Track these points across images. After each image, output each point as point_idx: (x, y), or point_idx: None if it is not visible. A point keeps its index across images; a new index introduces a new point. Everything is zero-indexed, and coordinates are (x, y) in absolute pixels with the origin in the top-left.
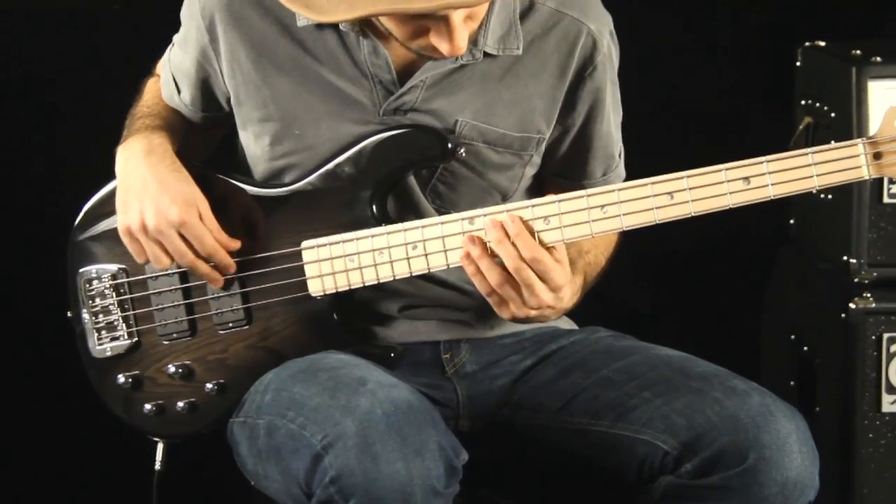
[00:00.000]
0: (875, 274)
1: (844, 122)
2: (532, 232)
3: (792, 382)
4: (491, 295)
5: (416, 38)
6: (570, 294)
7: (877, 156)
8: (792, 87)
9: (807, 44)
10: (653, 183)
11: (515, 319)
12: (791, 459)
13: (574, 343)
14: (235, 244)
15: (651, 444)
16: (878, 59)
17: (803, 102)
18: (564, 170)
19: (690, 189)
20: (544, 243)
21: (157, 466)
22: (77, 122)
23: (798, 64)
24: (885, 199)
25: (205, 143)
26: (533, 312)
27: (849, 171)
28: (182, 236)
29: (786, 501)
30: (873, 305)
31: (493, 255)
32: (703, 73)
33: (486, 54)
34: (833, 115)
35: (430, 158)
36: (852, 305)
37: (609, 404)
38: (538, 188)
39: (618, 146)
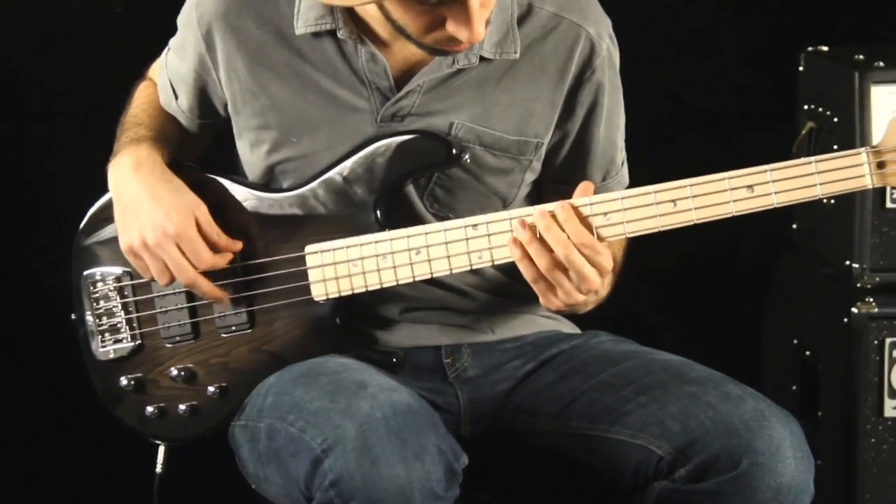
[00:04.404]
0: (877, 279)
1: (847, 127)
2: (581, 218)
3: (794, 387)
4: (538, 281)
5: (431, 30)
6: (609, 280)
7: (880, 165)
8: (794, 92)
9: (809, 48)
10: (656, 191)
11: (556, 308)
12: (785, 465)
13: (574, 347)
14: (237, 245)
15: (645, 448)
16: (881, 63)
17: (806, 107)
18: (563, 175)
19: (694, 197)
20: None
21: (159, 469)
22: (80, 124)
23: (801, 69)
24: (888, 205)
25: (198, 145)
26: (581, 298)
27: (852, 179)
28: (181, 249)
29: None
30: (876, 310)
31: (541, 241)
32: (706, 77)
33: (482, 59)
34: (836, 119)
35: (435, 164)
36: (855, 310)
37: (606, 409)
38: (537, 195)
39: (620, 153)
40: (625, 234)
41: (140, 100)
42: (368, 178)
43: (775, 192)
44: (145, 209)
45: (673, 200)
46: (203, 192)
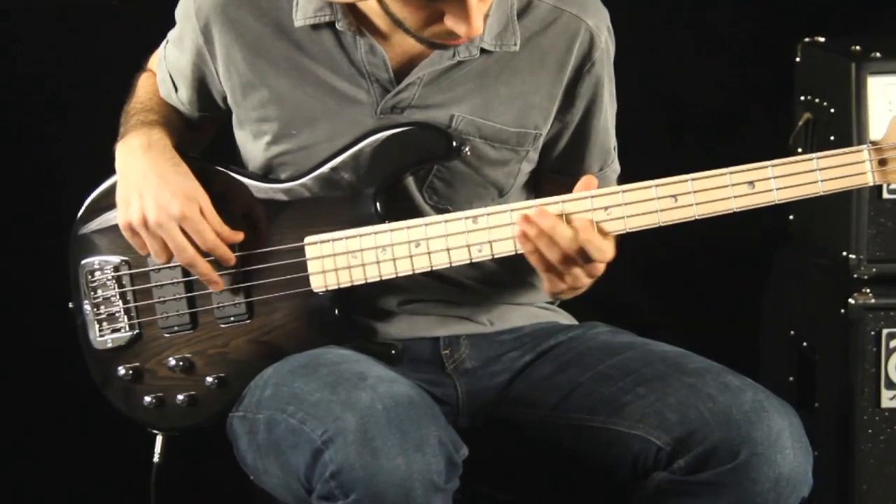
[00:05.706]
0: (874, 270)
1: (844, 118)
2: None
3: (791, 378)
4: (550, 270)
5: (430, 24)
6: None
7: (882, 162)
8: (791, 83)
9: (806, 39)
10: (657, 185)
11: (560, 291)
12: (783, 456)
13: (572, 339)
14: (238, 236)
15: (644, 439)
16: (878, 54)
17: (803, 98)
18: (562, 166)
19: (695, 192)
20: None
21: (156, 459)
22: (78, 117)
23: (798, 59)
24: (885, 195)
25: (200, 138)
26: (589, 281)
27: (853, 177)
28: (183, 231)
29: (778, 497)
30: (873, 301)
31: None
32: (703, 68)
33: (482, 51)
34: (832, 111)
35: (435, 157)
36: (852, 301)
37: (604, 400)
38: (534, 185)
39: (613, 140)
40: (625, 229)
41: (145, 89)
42: (368, 171)
43: (776, 189)
44: (150, 189)
45: (674, 195)
46: (204, 181)
